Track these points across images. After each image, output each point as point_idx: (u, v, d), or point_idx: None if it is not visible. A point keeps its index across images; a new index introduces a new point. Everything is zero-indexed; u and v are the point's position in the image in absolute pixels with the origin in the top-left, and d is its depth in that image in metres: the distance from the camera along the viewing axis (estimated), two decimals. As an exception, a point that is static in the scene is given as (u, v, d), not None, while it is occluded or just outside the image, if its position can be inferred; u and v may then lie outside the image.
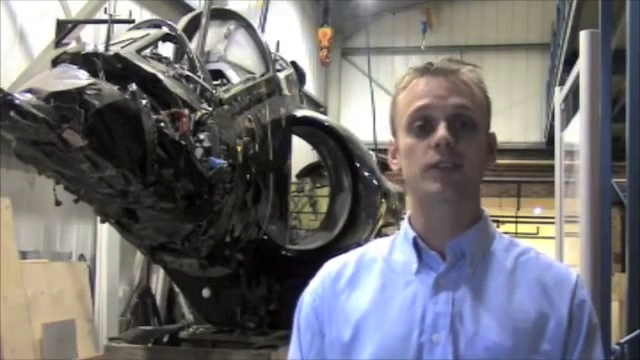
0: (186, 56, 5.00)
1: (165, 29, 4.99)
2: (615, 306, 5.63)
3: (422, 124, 1.40)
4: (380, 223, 7.86)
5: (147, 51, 4.60)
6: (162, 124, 4.16)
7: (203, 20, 5.42)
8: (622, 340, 3.52)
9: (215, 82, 5.17)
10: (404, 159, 1.43)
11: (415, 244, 1.44)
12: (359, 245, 1.60)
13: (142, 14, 8.94)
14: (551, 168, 5.64)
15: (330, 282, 1.51)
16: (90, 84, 3.79)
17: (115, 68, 4.13)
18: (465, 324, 1.36)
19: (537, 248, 1.50)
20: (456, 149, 1.37)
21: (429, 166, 1.38)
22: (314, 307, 1.51)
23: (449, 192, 1.38)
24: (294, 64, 6.90)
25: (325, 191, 8.11)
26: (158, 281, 8.81)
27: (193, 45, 5.24)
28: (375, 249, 1.53)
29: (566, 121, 5.02)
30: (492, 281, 1.40)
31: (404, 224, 1.50)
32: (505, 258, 1.44)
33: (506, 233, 1.54)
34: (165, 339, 6.08)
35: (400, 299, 1.41)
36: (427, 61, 1.46)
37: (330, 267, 1.54)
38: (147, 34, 4.71)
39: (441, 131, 1.37)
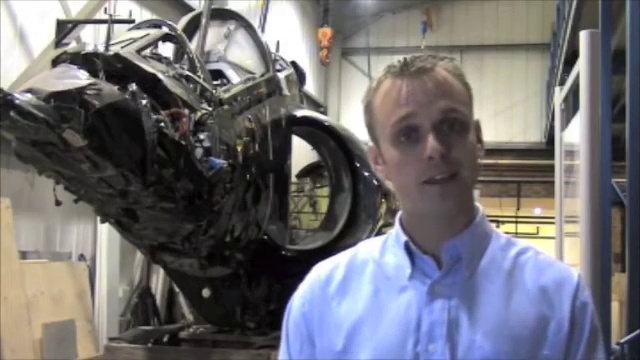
0: (186, 56, 5.00)
1: (165, 29, 4.99)
2: (615, 306, 5.62)
3: (407, 133, 1.32)
4: (380, 223, 7.86)
5: (147, 51, 4.60)
6: (162, 124, 4.17)
7: (203, 20, 5.42)
8: (622, 340, 3.52)
9: (215, 82, 5.17)
10: (394, 171, 1.36)
11: (407, 248, 1.37)
12: (359, 245, 1.56)
13: (142, 14, 8.94)
14: (551, 168, 5.65)
15: (320, 287, 1.43)
16: (90, 84, 3.79)
17: (115, 68, 4.13)
18: (462, 332, 1.30)
19: (536, 247, 1.43)
20: (450, 157, 1.29)
21: (425, 182, 1.30)
22: (303, 312, 1.44)
23: (448, 204, 1.31)
24: (294, 64, 6.90)
25: (325, 191, 8.12)
26: (158, 281, 8.81)
27: (193, 45, 5.24)
28: (366, 251, 1.46)
29: (566, 121, 5.03)
30: (489, 285, 1.34)
31: (395, 226, 1.42)
32: (503, 258, 1.37)
33: (506, 233, 1.49)
34: (165, 339, 6.09)
35: (394, 306, 1.35)
36: (399, 59, 1.36)
37: (319, 271, 1.46)
38: (147, 34, 4.71)
39: (431, 142, 1.29)
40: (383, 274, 1.39)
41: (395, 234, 1.41)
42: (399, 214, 1.42)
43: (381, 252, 1.42)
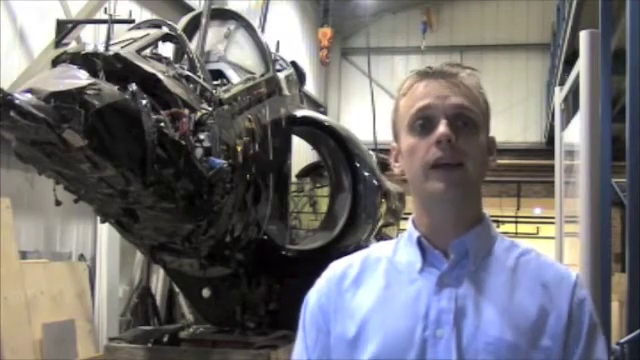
0: (186, 56, 5.00)
1: (165, 29, 4.98)
2: (615, 306, 5.62)
3: (423, 123, 1.44)
4: (380, 223, 7.86)
5: (147, 51, 4.59)
6: (162, 124, 4.16)
7: (203, 20, 5.42)
8: (622, 340, 3.52)
9: (215, 82, 5.17)
10: (406, 159, 1.47)
11: (419, 243, 1.47)
12: (359, 245, 1.63)
13: (142, 14, 8.94)
14: (551, 168, 5.64)
15: (336, 281, 1.54)
16: (90, 84, 3.79)
17: (115, 68, 4.13)
18: (468, 320, 1.39)
19: (537, 249, 1.52)
20: (457, 146, 1.40)
21: (431, 164, 1.41)
22: (320, 304, 1.54)
23: (452, 191, 1.41)
24: (294, 64, 6.89)
25: (325, 191, 8.11)
26: (158, 281, 8.81)
27: (193, 45, 5.24)
28: (379, 250, 1.57)
29: (566, 121, 5.03)
30: (494, 279, 1.44)
31: (408, 226, 1.53)
32: (506, 258, 1.47)
33: (506, 233, 1.55)
34: (165, 339, 6.08)
35: (404, 296, 1.45)
36: (427, 65, 1.51)
37: (335, 267, 1.58)
38: (147, 34, 4.71)
39: (442, 128, 1.40)
40: (395, 269, 1.50)
41: (408, 234, 1.52)
42: (412, 215, 1.52)
43: (394, 251, 1.54)
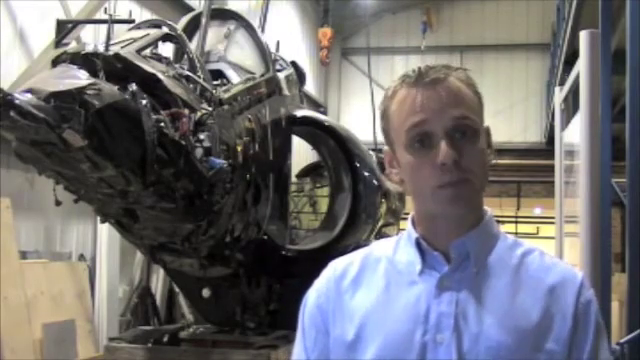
0: (186, 56, 5.00)
1: (165, 29, 4.98)
2: (615, 306, 5.62)
3: (421, 139, 1.40)
4: (380, 223, 7.86)
5: (147, 51, 4.59)
6: (162, 124, 4.16)
7: (203, 20, 5.42)
8: (622, 340, 3.52)
9: (215, 82, 5.17)
10: (408, 174, 1.44)
11: (418, 245, 1.45)
12: (359, 245, 1.61)
13: (142, 14, 8.94)
14: (551, 168, 5.65)
15: (335, 280, 1.52)
16: (90, 84, 3.79)
17: (115, 68, 4.13)
18: (469, 324, 1.37)
19: (541, 248, 1.50)
20: (461, 164, 1.37)
21: (438, 187, 1.38)
22: (319, 304, 1.51)
23: (459, 209, 1.40)
24: (294, 64, 6.89)
25: (325, 191, 8.11)
26: (158, 281, 8.81)
27: (193, 45, 5.24)
28: (380, 249, 1.54)
29: (566, 121, 5.03)
30: (496, 281, 1.41)
31: (408, 225, 1.50)
32: (509, 257, 1.45)
33: (507, 233, 1.54)
34: (165, 339, 6.08)
35: (404, 299, 1.42)
36: (413, 68, 1.45)
37: (335, 266, 1.55)
38: (147, 34, 4.71)
39: (444, 149, 1.36)
40: (395, 270, 1.47)
41: (407, 233, 1.50)
42: (411, 214, 1.50)
43: (394, 250, 1.51)
